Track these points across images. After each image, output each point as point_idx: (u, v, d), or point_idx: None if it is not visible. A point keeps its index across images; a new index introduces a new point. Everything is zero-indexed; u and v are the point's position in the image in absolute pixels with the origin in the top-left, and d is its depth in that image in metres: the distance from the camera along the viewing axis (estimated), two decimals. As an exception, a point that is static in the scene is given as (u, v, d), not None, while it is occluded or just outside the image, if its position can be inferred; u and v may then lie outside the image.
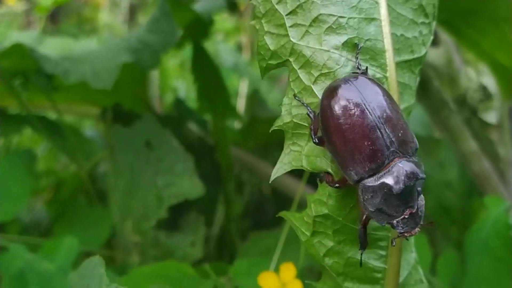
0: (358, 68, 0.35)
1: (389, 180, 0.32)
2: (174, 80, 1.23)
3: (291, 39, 0.36)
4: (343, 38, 0.36)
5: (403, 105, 0.39)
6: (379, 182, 0.32)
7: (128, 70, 0.80)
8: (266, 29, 0.36)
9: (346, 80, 0.34)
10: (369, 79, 0.34)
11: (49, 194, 1.04)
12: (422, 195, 0.34)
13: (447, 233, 0.81)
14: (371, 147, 0.32)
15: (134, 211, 0.77)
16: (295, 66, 0.36)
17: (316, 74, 0.35)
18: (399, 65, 0.38)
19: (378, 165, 0.32)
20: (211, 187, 0.79)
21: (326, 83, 0.35)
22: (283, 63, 0.36)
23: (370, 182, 0.32)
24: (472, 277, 0.55)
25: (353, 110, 0.33)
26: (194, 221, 0.76)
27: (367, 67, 0.36)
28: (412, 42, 0.40)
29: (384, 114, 0.33)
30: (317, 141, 0.34)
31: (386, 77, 0.36)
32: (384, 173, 0.32)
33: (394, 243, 0.33)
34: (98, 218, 0.82)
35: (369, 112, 0.33)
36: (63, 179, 1.02)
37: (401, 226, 0.32)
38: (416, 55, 0.40)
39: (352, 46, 0.36)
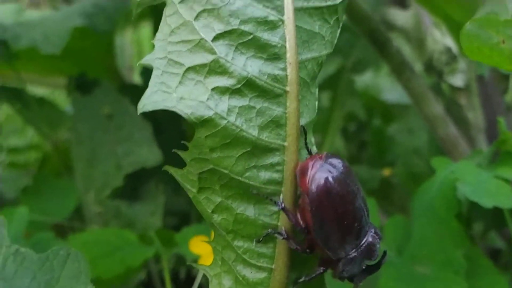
0: (306, 148, 0.36)
1: (369, 250, 0.34)
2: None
3: (174, -30, 0.34)
4: (230, -25, 0.33)
5: (310, 54, 0.36)
6: (358, 253, 0.34)
7: (95, 38, 0.79)
8: None
9: (327, 169, 0.33)
10: (335, 156, 0.34)
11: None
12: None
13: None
14: (359, 226, 0.33)
15: (95, 181, 0.76)
16: (175, 0, 0.33)
17: (198, 9, 0.33)
18: (305, 10, 0.36)
19: (361, 240, 0.34)
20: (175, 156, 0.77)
21: (208, 20, 0.33)
22: None
23: (352, 254, 0.33)
24: (416, 240, 0.53)
25: (345, 196, 0.33)
26: (153, 190, 0.74)
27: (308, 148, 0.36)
28: (323, -14, 0.37)
29: (359, 189, 0.34)
30: (304, 233, 0.34)
31: (282, 20, 0.34)
32: (364, 244, 0.34)
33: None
34: (63, 189, 0.82)
35: (354, 193, 0.33)
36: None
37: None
38: (329, 2, 0.38)
39: (240, -17, 0.34)
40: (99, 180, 0.76)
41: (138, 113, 0.32)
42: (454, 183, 0.52)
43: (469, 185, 0.51)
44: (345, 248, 0.33)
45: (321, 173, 0.33)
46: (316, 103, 0.38)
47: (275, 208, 0.35)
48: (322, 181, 0.33)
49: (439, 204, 0.52)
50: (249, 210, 0.35)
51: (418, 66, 0.81)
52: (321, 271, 0.35)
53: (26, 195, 0.82)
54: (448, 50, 0.70)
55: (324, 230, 0.33)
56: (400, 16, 0.77)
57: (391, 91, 1.13)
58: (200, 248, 0.51)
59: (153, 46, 0.34)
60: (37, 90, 0.98)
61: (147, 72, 0.90)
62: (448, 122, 0.70)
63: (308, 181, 0.33)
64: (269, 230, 0.35)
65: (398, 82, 0.69)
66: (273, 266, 0.35)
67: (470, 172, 0.52)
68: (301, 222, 0.34)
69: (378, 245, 0.34)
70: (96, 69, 0.85)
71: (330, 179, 0.33)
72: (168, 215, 0.78)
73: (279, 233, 0.34)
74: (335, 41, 0.39)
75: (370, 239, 0.34)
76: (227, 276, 0.36)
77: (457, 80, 0.71)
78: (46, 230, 0.77)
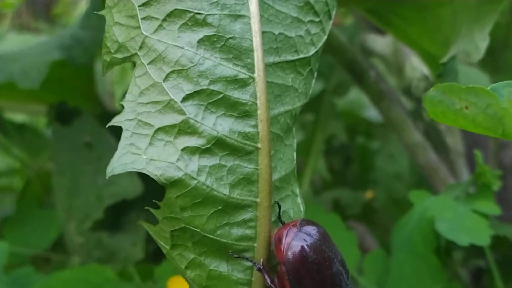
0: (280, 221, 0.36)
1: None
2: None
3: (143, 31, 0.34)
4: (199, 36, 0.33)
5: (283, 108, 0.36)
6: None
7: (74, 68, 0.79)
8: (115, 19, 0.34)
9: (301, 238, 0.33)
10: (309, 223, 0.35)
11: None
12: None
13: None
14: None
15: (76, 211, 0.76)
16: (144, 61, 0.33)
17: (167, 70, 0.33)
18: (277, 65, 0.36)
19: None
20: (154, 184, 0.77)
21: (178, 80, 0.33)
22: (130, 57, 0.34)
23: None
24: (395, 275, 0.53)
25: (321, 263, 0.33)
26: (134, 220, 0.74)
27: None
28: (296, 41, 0.37)
29: (336, 252, 0.34)
30: None
31: (253, 78, 0.34)
32: None
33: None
34: (45, 219, 0.81)
35: (331, 258, 0.34)
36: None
37: None
38: (301, 55, 0.38)
39: (210, 43, 0.34)
40: (80, 211, 0.75)
41: (107, 177, 0.32)
42: (432, 217, 0.52)
43: (446, 222, 0.51)
44: None
45: (296, 241, 0.33)
46: (294, 154, 0.38)
47: (248, 263, 0.35)
48: (297, 250, 0.33)
49: (417, 239, 0.53)
50: (222, 266, 0.35)
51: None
52: None
53: (8, 225, 0.82)
54: (426, 77, 0.71)
55: None
56: (379, 42, 0.77)
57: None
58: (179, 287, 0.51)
59: (122, 107, 0.34)
60: (15, 116, 0.98)
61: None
62: (428, 149, 0.70)
63: (284, 250, 0.33)
64: None
65: (377, 110, 0.70)
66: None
67: (447, 207, 0.53)
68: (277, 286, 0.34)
69: None
70: (76, 97, 0.85)
71: (306, 247, 0.33)
72: (150, 242, 0.78)
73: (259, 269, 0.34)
74: (310, 91, 0.39)
75: None
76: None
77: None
78: (27, 262, 0.77)
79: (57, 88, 0.83)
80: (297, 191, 0.38)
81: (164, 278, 0.58)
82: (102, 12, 0.35)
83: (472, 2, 0.49)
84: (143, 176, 0.73)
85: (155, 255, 0.77)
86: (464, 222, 0.51)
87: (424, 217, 0.53)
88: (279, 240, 0.34)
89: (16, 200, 0.97)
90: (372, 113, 1.13)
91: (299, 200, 0.38)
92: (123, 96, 0.34)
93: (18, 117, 0.99)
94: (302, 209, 0.38)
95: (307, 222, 0.35)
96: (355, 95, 1.20)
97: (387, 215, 0.80)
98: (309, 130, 0.91)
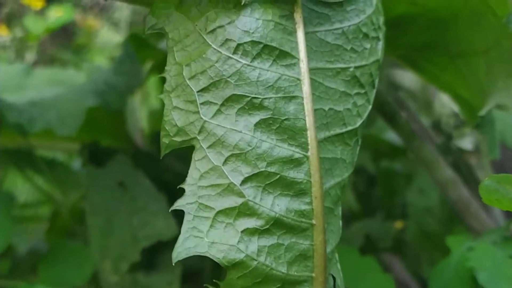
0: None
1: None
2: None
3: (202, 116, 0.35)
4: (256, 119, 0.35)
5: (333, 181, 0.37)
6: None
7: (107, 111, 0.80)
8: (174, 104, 0.35)
9: None
10: None
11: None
12: None
13: (431, 259, 0.80)
14: None
15: (111, 251, 0.77)
16: (203, 145, 0.35)
17: (226, 154, 0.34)
18: (327, 140, 0.37)
19: None
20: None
21: (236, 164, 0.34)
22: (189, 141, 0.35)
23: None
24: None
25: None
26: (170, 260, 0.75)
27: None
28: (344, 114, 0.38)
29: None
30: None
31: (307, 157, 0.35)
32: None
33: None
34: (79, 255, 0.83)
35: None
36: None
37: None
38: (349, 127, 0.39)
39: (266, 126, 0.35)
40: (115, 251, 0.77)
41: (173, 263, 0.33)
42: (471, 266, 0.53)
43: (485, 271, 0.51)
44: None
45: None
46: (340, 222, 0.39)
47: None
48: None
49: (456, 287, 0.53)
50: None
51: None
52: None
53: (42, 262, 0.83)
54: (456, 114, 0.71)
55: None
56: (407, 78, 0.78)
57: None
58: None
59: (184, 190, 0.35)
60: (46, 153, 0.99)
61: (157, 137, 0.91)
62: (459, 184, 0.71)
63: None
64: None
65: (408, 150, 0.70)
66: None
67: (486, 255, 0.53)
68: None
69: None
70: (108, 135, 0.86)
71: None
72: (186, 282, 0.79)
73: None
74: (356, 159, 0.40)
75: None
76: None
77: (466, 143, 0.73)
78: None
79: (89, 129, 0.85)
80: (337, 256, 0.39)
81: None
82: (160, 96, 0.36)
83: (508, 55, 0.49)
84: (176, 216, 0.74)
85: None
86: (503, 270, 0.52)
87: (462, 265, 0.54)
88: None
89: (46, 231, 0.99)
90: (391, 135, 1.13)
91: (338, 266, 0.39)
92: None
93: (49, 153, 1.00)
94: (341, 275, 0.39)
95: None
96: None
97: (418, 247, 0.80)
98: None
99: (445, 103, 0.73)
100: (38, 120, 0.68)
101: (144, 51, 0.74)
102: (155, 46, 0.76)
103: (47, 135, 0.85)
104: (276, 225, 0.35)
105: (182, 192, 0.79)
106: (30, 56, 1.24)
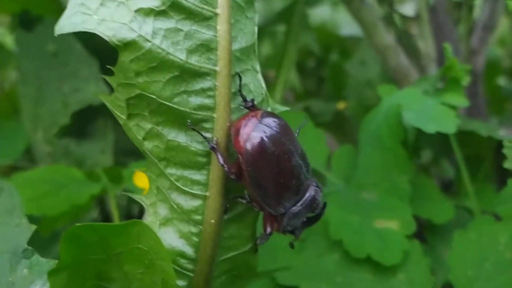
0: (241, 95, 0.35)
1: (312, 204, 0.34)
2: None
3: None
4: None
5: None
6: (302, 207, 0.33)
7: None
8: None
9: (261, 129, 0.33)
10: (270, 115, 0.34)
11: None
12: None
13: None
14: (297, 183, 0.33)
15: (43, 120, 0.74)
16: None
17: None
18: None
19: (302, 195, 0.34)
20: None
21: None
22: None
23: (295, 209, 0.33)
24: (363, 168, 0.53)
25: (280, 155, 0.33)
26: (102, 127, 0.73)
27: (253, 100, 0.35)
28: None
29: (297, 146, 0.34)
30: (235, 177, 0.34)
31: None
32: (307, 199, 0.34)
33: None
34: (13, 131, 0.80)
35: (291, 151, 0.33)
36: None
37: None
38: None
39: None
40: (46, 119, 0.74)
41: (56, 35, 0.31)
42: (400, 110, 0.52)
43: (414, 112, 0.51)
44: (284, 205, 0.33)
45: (255, 132, 0.32)
46: (255, 28, 0.37)
47: (209, 135, 0.34)
48: (256, 141, 0.32)
49: (385, 132, 0.52)
50: (180, 137, 0.34)
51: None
52: (269, 232, 0.35)
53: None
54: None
55: (261, 189, 0.33)
56: None
57: (349, 26, 1.12)
58: (144, 181, 0.50)
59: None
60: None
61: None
62: (399, 52, 0.70)
63: (242, 140, 0.32)
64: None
65: (348, 12, 0.68)
66: (207, 194, 0.35)
67: (415, 99, 0.52)
68: (232, 169, 0.33)
69: (319, 198, 0.34)
70: (39, 5, 0.82)
71: (265, 138, 0.32)
72: (120, 154, 0.77)
73: (212, 148, 0.34)
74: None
75: (312, 193, 0.34)
76: (163, 205, 0.36)
77: (408, 9, 0.71)
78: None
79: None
80: (258, 67, 0.37)
81: (131, 179, 0.57)
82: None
83: None
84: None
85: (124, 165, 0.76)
86: (431, 112, 0.51)
87: (391, 110, 0.53)
88: (238, 130, 0.33)
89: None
90: (346, 30, 1.11)
91: (259, 76, 0.37)
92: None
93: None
94: (263, 85, 0.37)
95: (268, 114, 0.34)
96: (330, 15, 1.18)
97: (357, 123, 0.79)
98: (281, 41, 0.90)
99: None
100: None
101: None
102: None
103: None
104: (174, 7, 0.32)
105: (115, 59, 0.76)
106: None
